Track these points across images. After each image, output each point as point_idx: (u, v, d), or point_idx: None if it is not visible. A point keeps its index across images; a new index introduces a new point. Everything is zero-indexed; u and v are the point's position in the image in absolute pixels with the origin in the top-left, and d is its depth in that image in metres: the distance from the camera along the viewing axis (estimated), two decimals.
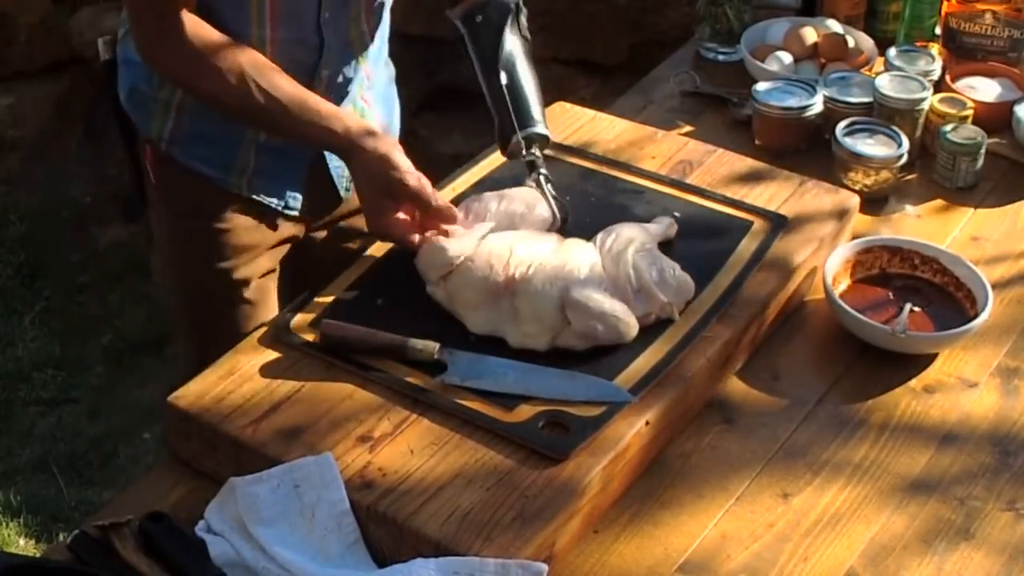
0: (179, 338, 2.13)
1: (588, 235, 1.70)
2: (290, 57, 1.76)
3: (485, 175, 1.88)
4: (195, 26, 1.68)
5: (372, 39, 1.87)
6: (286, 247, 1.98)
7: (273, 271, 1.99)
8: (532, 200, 1.75)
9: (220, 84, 1.68)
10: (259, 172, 1.86)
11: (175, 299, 2.03)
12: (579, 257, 1.64)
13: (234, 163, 1.85)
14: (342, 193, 1.93)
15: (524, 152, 1.78)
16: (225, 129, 1.82)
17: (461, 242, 1.65)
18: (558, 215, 1.75)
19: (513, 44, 1.83)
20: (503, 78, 1.79)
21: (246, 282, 1.95)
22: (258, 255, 1.95)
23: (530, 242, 1.66)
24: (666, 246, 1.72)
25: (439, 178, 1.91)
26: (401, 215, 1.71)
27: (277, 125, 1.72)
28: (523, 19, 1.86)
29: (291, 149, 1.86)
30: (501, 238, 1.66)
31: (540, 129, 1.80)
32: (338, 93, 1.85)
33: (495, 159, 1.89)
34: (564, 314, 1.58)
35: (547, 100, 1.94)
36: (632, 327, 1.59)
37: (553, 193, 1.77)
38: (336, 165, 1.91)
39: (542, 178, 1.78)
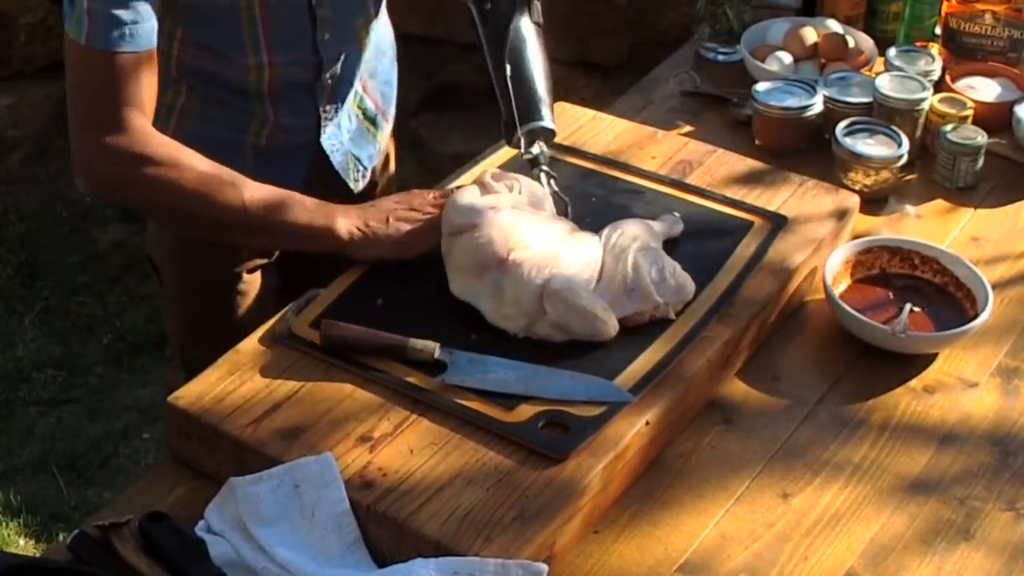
0: (174, 335, 2.12)
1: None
2: (290, 77, 1.77)
3: None
4: (146, 136, 1.62)
5: (369, 38, 1.87)
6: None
7: (272, 271, 1.99)
8: (540, 194, 1.73)
9: (176, 200, 1.63)
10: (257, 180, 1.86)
11: (172, 296, 2.03)
12: (577, 250, 1.63)
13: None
14: (352, 185, 1.92)
15: (525, 148, 1.76)
16: (226, 135, 1.82)
17: (472, 209, 1.64)
18: (555, 211, 1.74)
19: (523, 33, 1.78)
20: (508, 70, 1.75)
21: (244, 282, 1.95)
22: (257, 256, 1.95)
23: (539, 227, 1.65)
24: (667, 245, 1.72)
25: (439, 178, 1.91)
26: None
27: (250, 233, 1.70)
28: (537, 4, 1.80)
29: (291, 155, 1.86)
30: (513, 216, 1.65)
31: (544, 123, 1.75)
32: (337, 92, 1.85)
33: (496, 158, 1.89)
34: (543, 303, 1.58)
35: None
36: (611, 327, 1.58)
37: (555, 189, 1.75)
38: (339, 159, 1.90)
39: (543, 175, 1.76)
